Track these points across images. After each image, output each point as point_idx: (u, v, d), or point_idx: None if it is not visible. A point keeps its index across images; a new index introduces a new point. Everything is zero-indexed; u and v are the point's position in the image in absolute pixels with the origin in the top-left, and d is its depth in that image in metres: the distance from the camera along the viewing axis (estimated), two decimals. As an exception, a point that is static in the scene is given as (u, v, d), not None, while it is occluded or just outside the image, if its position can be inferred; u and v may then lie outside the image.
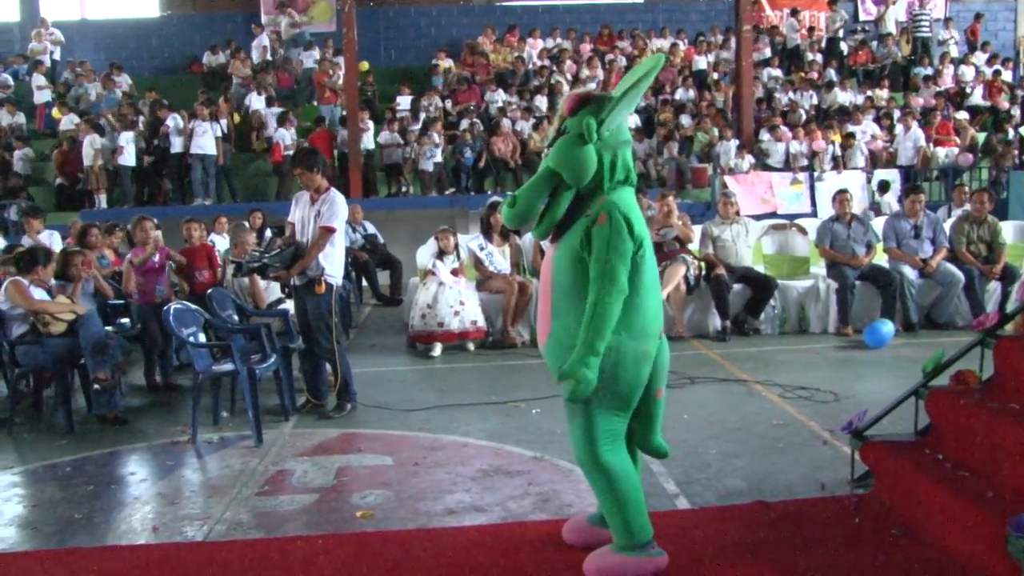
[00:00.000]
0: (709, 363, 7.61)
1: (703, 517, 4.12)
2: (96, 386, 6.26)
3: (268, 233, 9.97)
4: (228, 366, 5.94)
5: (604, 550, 3.51)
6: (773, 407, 6.10)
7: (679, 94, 17.78)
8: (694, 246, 9.07)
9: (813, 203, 14.05)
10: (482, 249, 8.89)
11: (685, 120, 16.73)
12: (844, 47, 19.92)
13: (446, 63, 18.65)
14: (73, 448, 5.79)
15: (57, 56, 19.01)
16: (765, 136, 15.48)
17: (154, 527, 4.32)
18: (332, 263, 6.20)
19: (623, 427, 3.49)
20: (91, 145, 14.53)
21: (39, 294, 6.55)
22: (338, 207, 6.15)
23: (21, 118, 17.24)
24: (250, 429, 5.73)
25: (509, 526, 4.12)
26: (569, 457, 5.06)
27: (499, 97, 17.11)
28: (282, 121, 15.40)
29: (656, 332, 3.47)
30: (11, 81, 18.41)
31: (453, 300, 8.29)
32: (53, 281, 6.74)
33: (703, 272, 8.86)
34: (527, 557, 3.68)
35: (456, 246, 8.79)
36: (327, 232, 6.10)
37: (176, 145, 14.70)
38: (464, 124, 15.74)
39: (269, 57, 18.84)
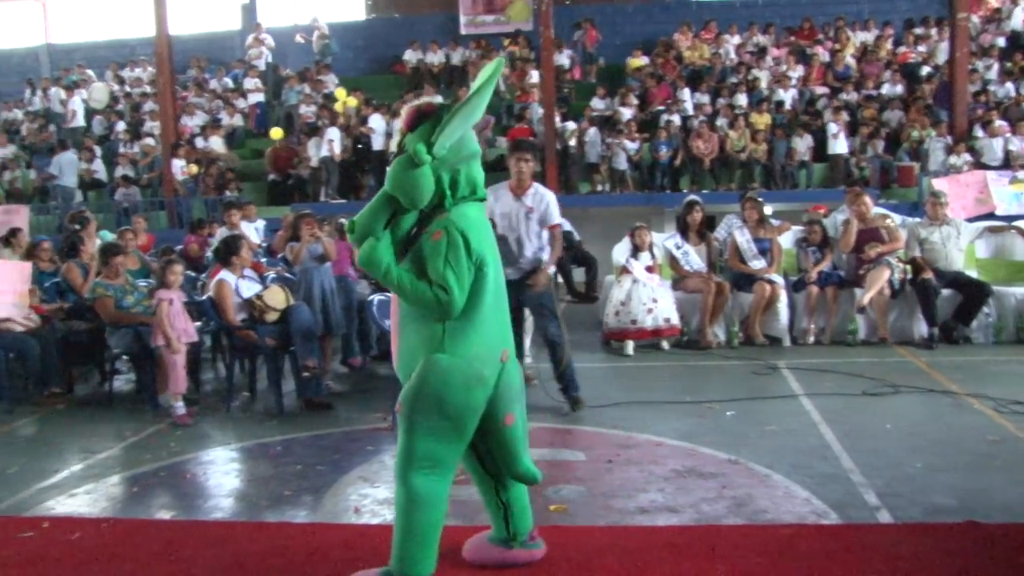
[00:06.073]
0: (914, 371, 7.23)
1: (907, 533, 3.93)
2: (305, 373, 6.62)
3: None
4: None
5: (372, 571, 3.41)
6: (987, 421, 5.72)
7: (885, 89, 16.91)
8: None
9: (1037, 204, 13.01)
10: (678, 248, 8.79)
11: (890, 116, 15.90)
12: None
13: (640, 60, 18.45)
14: (283, 429, 6.15)
15: (269, 59, 20.08)
16: (980, 132, 14.50)
17: (355, 508, 4.51)
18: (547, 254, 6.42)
19: (450, 456, 3.33)
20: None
21: (248, 287, 6.95)
22: (555, 202, 6.36)
23: (239, 119, 18.38)
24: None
25: (703, 528, 4.05)
26: (765, 462, 4.96)
27: (695, 95, 16.81)
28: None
29: (494, 356, 3.32)
30: (232, 84, 19.67)
31: (646, 297, 8.24)
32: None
33: (908, 276, 8.41)
34: (722, 563, 3.60)
35: (651, 243, 8.72)
36: (559, 229, 6.40)
37: (376, 143, 15.29)
38: (661, 122, 15.59)
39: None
